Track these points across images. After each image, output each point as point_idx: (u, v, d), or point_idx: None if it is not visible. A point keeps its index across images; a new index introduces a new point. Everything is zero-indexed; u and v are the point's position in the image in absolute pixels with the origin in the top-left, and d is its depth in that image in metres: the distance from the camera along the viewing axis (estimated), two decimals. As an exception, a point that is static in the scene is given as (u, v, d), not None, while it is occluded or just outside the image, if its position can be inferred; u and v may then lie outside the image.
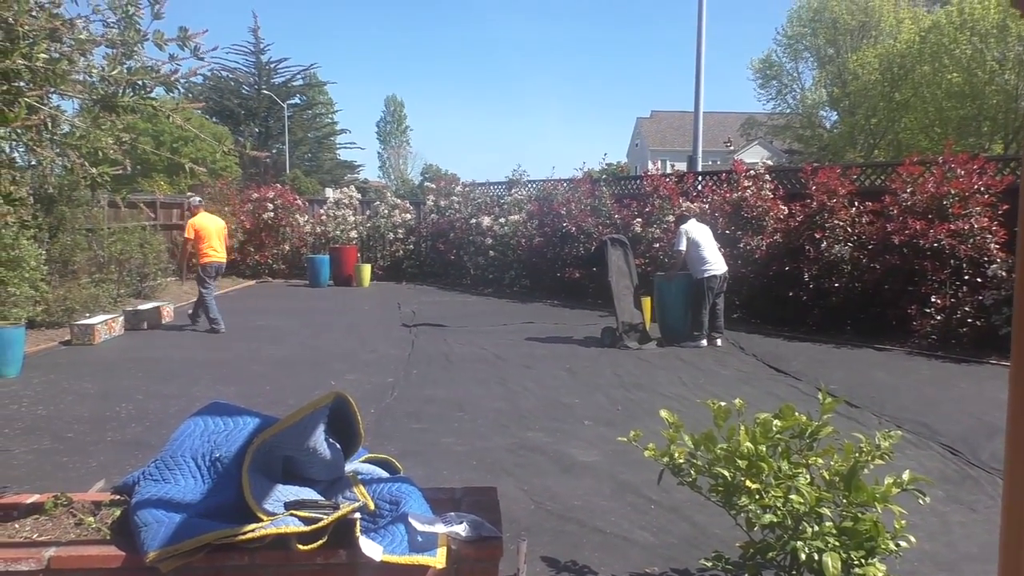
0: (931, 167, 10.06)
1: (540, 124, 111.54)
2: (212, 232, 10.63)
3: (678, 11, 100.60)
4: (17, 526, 2.55)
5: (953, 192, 9.42)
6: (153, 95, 3.29)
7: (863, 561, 2.61)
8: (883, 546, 2.62)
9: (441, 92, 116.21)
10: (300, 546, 2.26)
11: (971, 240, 9.08)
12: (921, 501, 2.85)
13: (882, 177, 11.07)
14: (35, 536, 2.48)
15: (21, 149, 3.36)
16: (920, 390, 7.13)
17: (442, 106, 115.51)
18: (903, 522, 2.71)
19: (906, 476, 2.77)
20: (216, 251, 10.61)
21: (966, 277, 9.06)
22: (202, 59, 3.14)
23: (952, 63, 28.75)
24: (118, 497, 2.65)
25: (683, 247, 9.56)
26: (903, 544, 2.70)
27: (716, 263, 9.53)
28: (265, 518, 2.27)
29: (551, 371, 7.91)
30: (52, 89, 3.13)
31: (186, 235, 10.78)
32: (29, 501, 2.70)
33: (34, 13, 2.86)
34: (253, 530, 2.23)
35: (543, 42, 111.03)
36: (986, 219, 9.11)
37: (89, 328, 9.38)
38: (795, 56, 39.42)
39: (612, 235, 10.62)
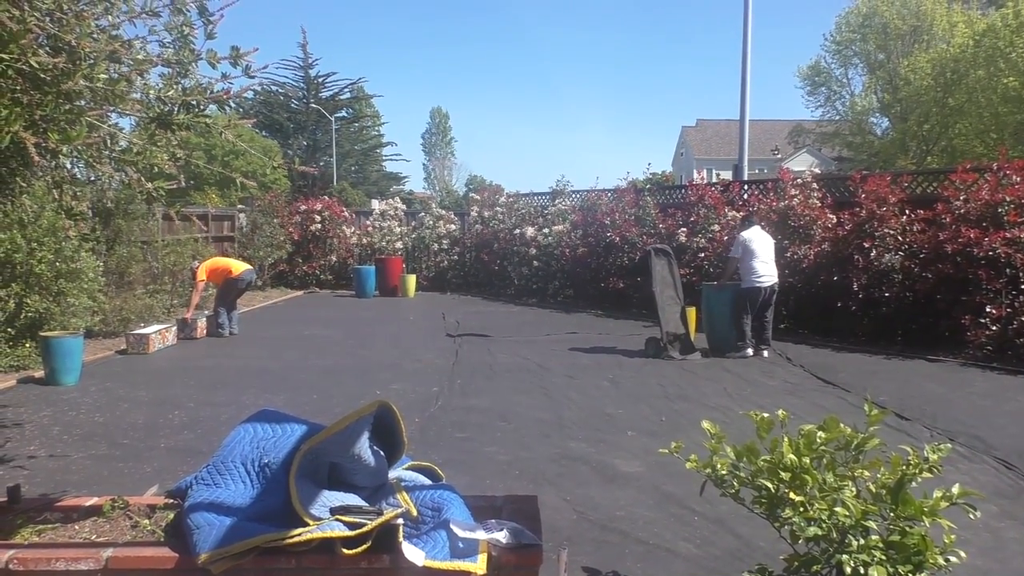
0: (985, 174, 9.83)
1: (584, 135, 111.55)
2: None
3: (723, 19, 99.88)
4: (77, 527, 2.66)
5: (1008, 199, 9.18)
6: (206, 112, 3.40)
7: (910, 575, 2.56)
8: (931, 561, 2.57)
9: (486, 104, 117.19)
10: (345, 550, 2.31)
11: (1028, 248, 8.84)
12: (972, 516, 2.79)
13: (934, 184, 10.83)
14: (94, 537, 2.58)
15: (81, 165, 3.50)
16: (974, 402, 6.95)
17: (487, 118, 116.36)
18: (952, 537, 2.65)
19: (956, 490, 2.71)
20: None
21: (1022, 286, 8.81)
22: (253, 77, 3.25)
23: (1008, 67, 27.99)
24: (171, 501, 2.75)
25: (738, 254, 9.47)
26: (952, 559, 2.64)
27: (767, 275, 9.38)
28: (311, 522, 2.33)
29: (594, 381, 7.90)
30: (111, 108, 3.26)
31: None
32: (88, 504, 2.81)
33: (95, 35, 2.99)
34: (300, 534, 2.29)
35: (587, 53, 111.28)
36: (1044, 227, 8.86)
37: (144, 337, 9.64)
38: (844, 62, 38.83)
39: (656, 245, 10.58)
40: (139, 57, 3.19)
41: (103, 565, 2.34)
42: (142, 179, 3.40)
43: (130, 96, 3.28)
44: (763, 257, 9.37)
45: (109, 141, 3.32)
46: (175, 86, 3.26)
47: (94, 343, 9.98)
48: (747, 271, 9.37)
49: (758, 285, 9.30)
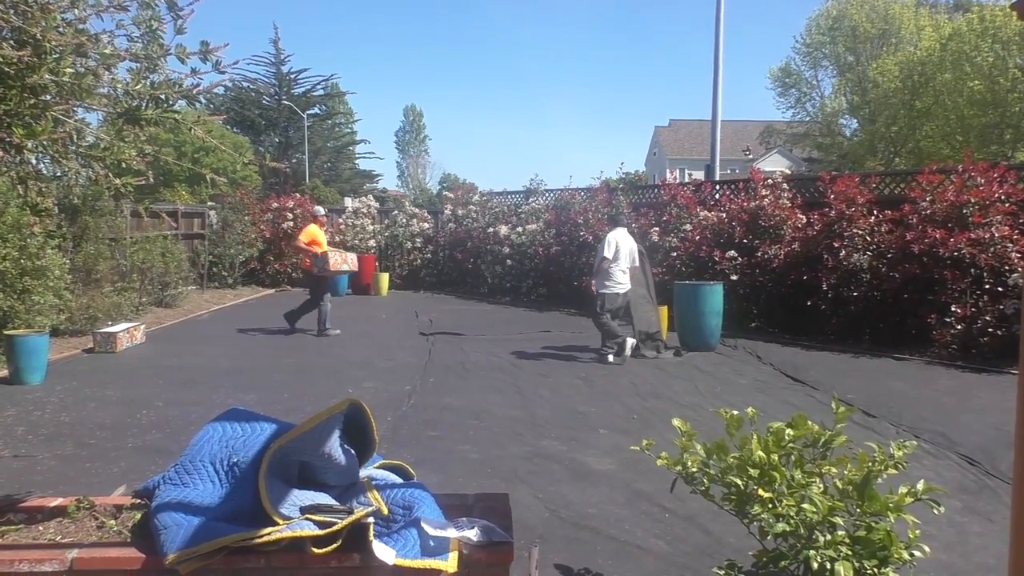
0: (951, 175, 10.01)
1: (558, 134, 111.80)
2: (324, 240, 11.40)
3: (696, 19, 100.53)
4: (41, 528, 2.62)
5: (973, 201, 9.36)
6: (175, 108, 3.36)
7: (876, 570, 2.60)
8: (896, 556, 2.61)
9: (460, 102, 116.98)
10: (315, 549, 2.30)
11: (992, 249, 9.01)
12: (936, 511, 2.84)
13: (901, 186, 11.01)
14: (58, 538, 2.54)
15: (47, 161, 3.44)
16: (939, 400, 7.08)
17: (461, 116, 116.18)
18: (917, 532, 2.70)
19: (920, 486, 2.76)
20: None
21: (987, 286, 8.98)
22: (223, 72, 3.21)
23: (974, 70, 28.54)
24: (139, 501, 2.71)
25: (610, 255, 8.90)
26: (917, 554, 2.69)
27: (624, 283, 9.02)
28: (281, 522, 2.32)
29: (567, 380, 7.92)
30: (78, 103, 3.21)
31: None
32: (53, 504, 2.77)
33: (61, 29, 2.94)
34: (269, 533, 2.28)
35: (561, 52, 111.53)
36: (1007, 228, 9.03)
37: (111, 336, 9.51)
38: (814, 64, 39.35)
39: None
40: (106, 51, 3.14)
41: (68, 566, 2.31)
42: (109, 175, 3.35)
43: (97, 91, 3.23)
44: (623, 265, 9.02)
45: (76, 136, 3.27)
46: (143, 81, 3.21)
47: (60, 341, 9.83)
48: (605, 275, 8.99)
49: (616, 291, 8.98)
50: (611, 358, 8.84)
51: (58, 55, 2.90)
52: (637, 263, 9.29)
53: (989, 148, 28.14)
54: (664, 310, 10.25)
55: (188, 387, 7.52)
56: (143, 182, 3.51)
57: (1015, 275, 8.76)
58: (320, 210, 13.36)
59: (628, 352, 8.97)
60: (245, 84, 44.02)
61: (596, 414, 6.50)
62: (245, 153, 29.22)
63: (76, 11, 3.07)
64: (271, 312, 14.17)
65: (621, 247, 9.02)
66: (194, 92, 3.31)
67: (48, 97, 2.97)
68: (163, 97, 3.27)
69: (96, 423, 6.13)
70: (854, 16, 36.11)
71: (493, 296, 16.77)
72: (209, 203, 20.03)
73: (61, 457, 5.25)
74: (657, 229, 13.27)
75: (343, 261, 11.14)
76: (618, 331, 8.97)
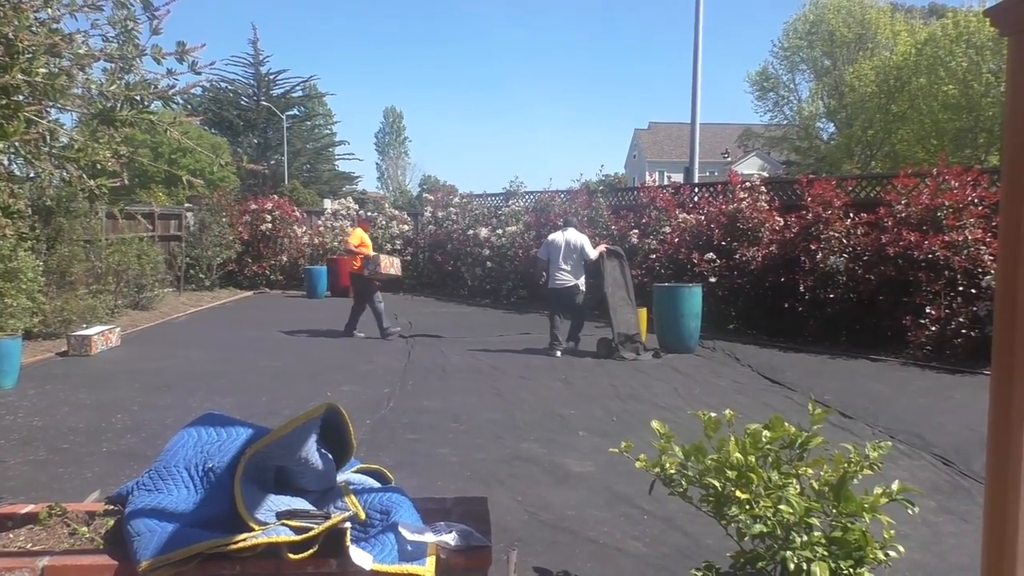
0: (926, 179, 10.13)
1: (538, 136, 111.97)
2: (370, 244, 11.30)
3: (676, 22, 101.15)
4: (12, 536, 2.57)
5: (947, 204, 9.48)
6: (151, 109, 3.33)
7: (852, 571, 2.62)
8: (871, 556, 2.63)
9: (440, 104, 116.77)
10: (291, 555, 2.28)
11: (965, 251, 9.13)
12: (910, 511, 2.87)
13: (877, 189, 11.14)
14: (29, 546, 2.49)
15: (20, 162, 3.39)
16: (914, 401, 7.16)
17: (441, 118, 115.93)
18: (892, 532, 2.73)
19: (895, 486, 2.79)
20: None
21: (960, 288, 9.10)
22: (199, 73, 3.19)
23: (948, 75, 28.93)
24: (112, 507, 2.67)
25: (544, 256, 9.89)
26: (892, 554, 2.71)
27: (554, 277, 9.77)
28: (257, 528, 2.29)
29: (547, 382, 7.93)
30: (51, 103, 3.17)
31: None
32: (24, 511, 2.72)
33: (34, 28, 2.90)
34: (245, 539, 2.25)
35: (541, 54, 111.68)
36: (980, 230, 9.16)
37: (86, 339, 9.39)
38: (792, 68, 39.63)
39: (609, 247, 10.67)
40: (80, 51, 3.11)
41: (39, 574, 2.27)
42: (83, 176, 3.31)
43: (71, 91, 3.19)
44: (560, 264, 9.67)
45: (49, 137, 3.22)
46: (118, 81, 3.18)
47: (33, 345, 9.68)
48: (547, 276, 9.97)
49: (555, 287, 9.76)
50: (557, 353, 9.53)
51: (31, 55, 2.86)
52: (575, 255, 9.74)
53: (963, 152, 28.54)
54: (643, 312, 10.29)
55: (164, 391, 7.44)
56: (118, 183, 3.47)
57: (988, 277, 8.88)
58: (365, 213, 13.36)
59: (558, 353, 9.55)
60: (223, 85, 43.66)
61: (576, 416, 6.51)
62: (223, 154, 29.01)
63: (49, 10, 3.03)
64: (249, 314, 14.08)
65: (552, 248, 9.77)
66: (170, 93, 3.28)
67: (20, 97, 2.93)
68: (138, 98, 3.24)
69: (70, 427, 6.05)
70: (831, 21, 36.46)
71: (473, 298, 16.75)
72: (186, 205, 19.85)
73: (33, 462, 5.17)
74: (636, 231, 13.33)
75: (390, 265, 11.07)
76: (555, 327, 9.63)
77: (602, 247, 10.13)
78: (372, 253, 11.06)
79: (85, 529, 2.56)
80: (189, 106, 37.71)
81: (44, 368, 8.63)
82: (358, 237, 11.22)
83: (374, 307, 10.95)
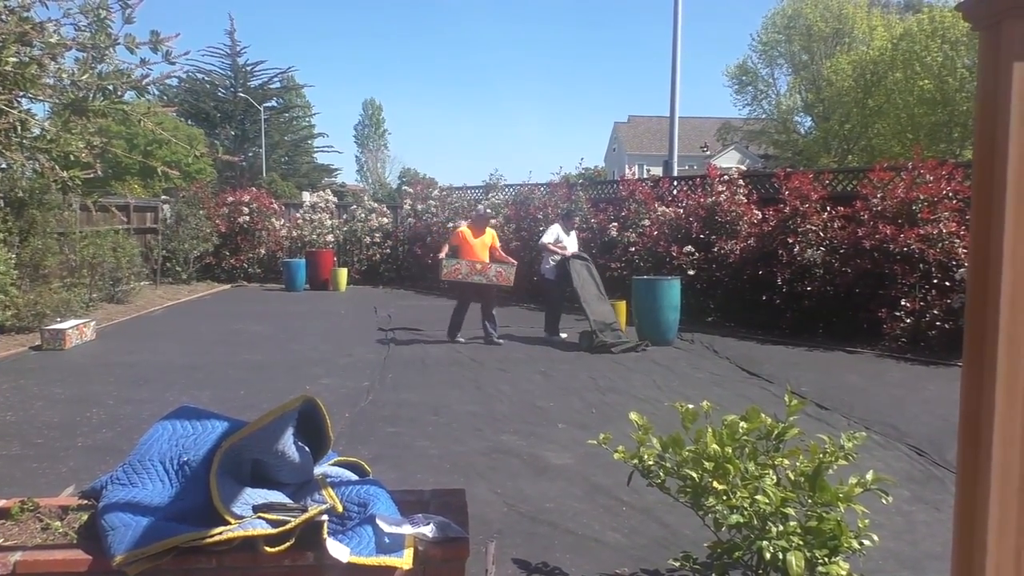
0: (901, 173, 10.24)
1: (518, 128, 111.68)
2: (475, 245, 10.09)
3: (655, 15, 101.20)
4: (-17, 532, 2.54)
5: (922, 197, 9.58)
6: (124, 99, 3.28)
7: (827, 560, 2.66)
8: (846, 545, 2.67)
9: (419, 96, 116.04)
10: (267, 548, 2.26)
11: (940, 244, 9.23)
12: (884, 501, 2.91)
13: (854, 182, 11.23)
14: (1, 541, 2.46)
15: (-10, 152, 3.34)
16: (889, 392, 7.24)
17: (420, 110, 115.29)
18: (866, 521, 2.76)
19: (870, 476, 2.83)
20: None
21: (935, 281, 9.20)
22: (174, 63, 3.15)
23: (924, 70, 29.22)
24: (85, 502, 2.65)
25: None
26: (866, 543, 2.75)
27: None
28: (233, 521, 2.28)
29: (526, 375, 7.94)
30: (22, 93, 3.12)
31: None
32: (-5, 507, 2.69)
33: (3, 17, 2.85)
34: (221, 533, 2.24)
35: (521, 46, 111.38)
36: (954, 224, 9.26)
37: (60, 333, 9.26)
38: (770, 62, 39.84)
39: (574, 252, 10.48)
40: (52, 40, 3.06)
41: (11, 570, 2.24)
42: (56, 167, 3.26)
43: (42, 81, 3.14)
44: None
45: (20, 127, 3.17)
46: (90, 71, 3.13)
47: (6, 338, 9.56)
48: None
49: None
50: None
51: (1, 44, 2.81)
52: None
53: (938, 146, 28.84)
54: (622, 305, 10.32)
55: (140, 385, 7.36)
56: (92, 175, 3.42)
57: (962, 270, 9.00)
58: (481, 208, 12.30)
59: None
60: (200, 76, 43.17)
61: (555, 409, 6.52)
62: (198, 145, 28.69)
63: (19, -2, 2.99)
64: (227, 308, 13.96)
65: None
66: (144, 83, 3.24)
67: (-10, 87, 2.88)
68: (111, 88, 3.19)
69: (44, 422, 5.97)
70: (809, 15, 36.69)
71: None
72: (163, 197, 19.63)
73: (6, 458, 5.10)
74: (616, 224, 13.36)
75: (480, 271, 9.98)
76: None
77: (559, 247, 10.27)
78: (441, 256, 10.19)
79: (58, 524, 2.54)
80: (164, 97, 37.33)
81: (17, 362, 8.51)
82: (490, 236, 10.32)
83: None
